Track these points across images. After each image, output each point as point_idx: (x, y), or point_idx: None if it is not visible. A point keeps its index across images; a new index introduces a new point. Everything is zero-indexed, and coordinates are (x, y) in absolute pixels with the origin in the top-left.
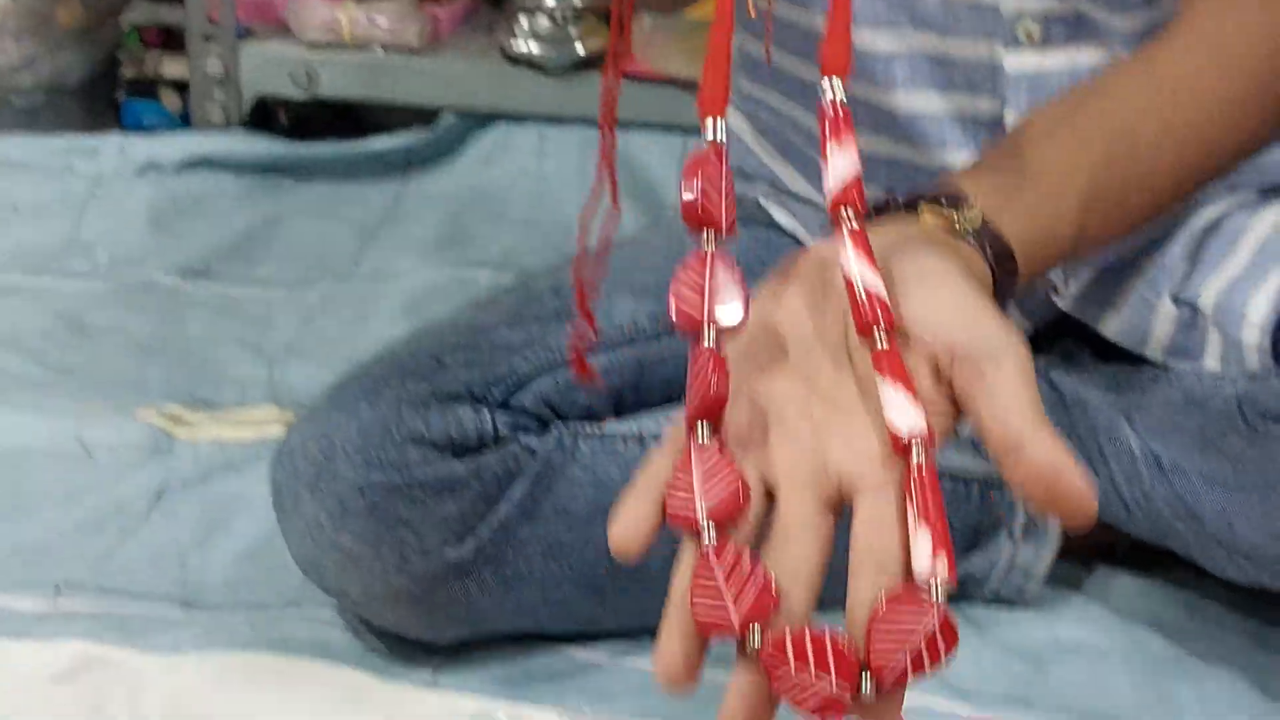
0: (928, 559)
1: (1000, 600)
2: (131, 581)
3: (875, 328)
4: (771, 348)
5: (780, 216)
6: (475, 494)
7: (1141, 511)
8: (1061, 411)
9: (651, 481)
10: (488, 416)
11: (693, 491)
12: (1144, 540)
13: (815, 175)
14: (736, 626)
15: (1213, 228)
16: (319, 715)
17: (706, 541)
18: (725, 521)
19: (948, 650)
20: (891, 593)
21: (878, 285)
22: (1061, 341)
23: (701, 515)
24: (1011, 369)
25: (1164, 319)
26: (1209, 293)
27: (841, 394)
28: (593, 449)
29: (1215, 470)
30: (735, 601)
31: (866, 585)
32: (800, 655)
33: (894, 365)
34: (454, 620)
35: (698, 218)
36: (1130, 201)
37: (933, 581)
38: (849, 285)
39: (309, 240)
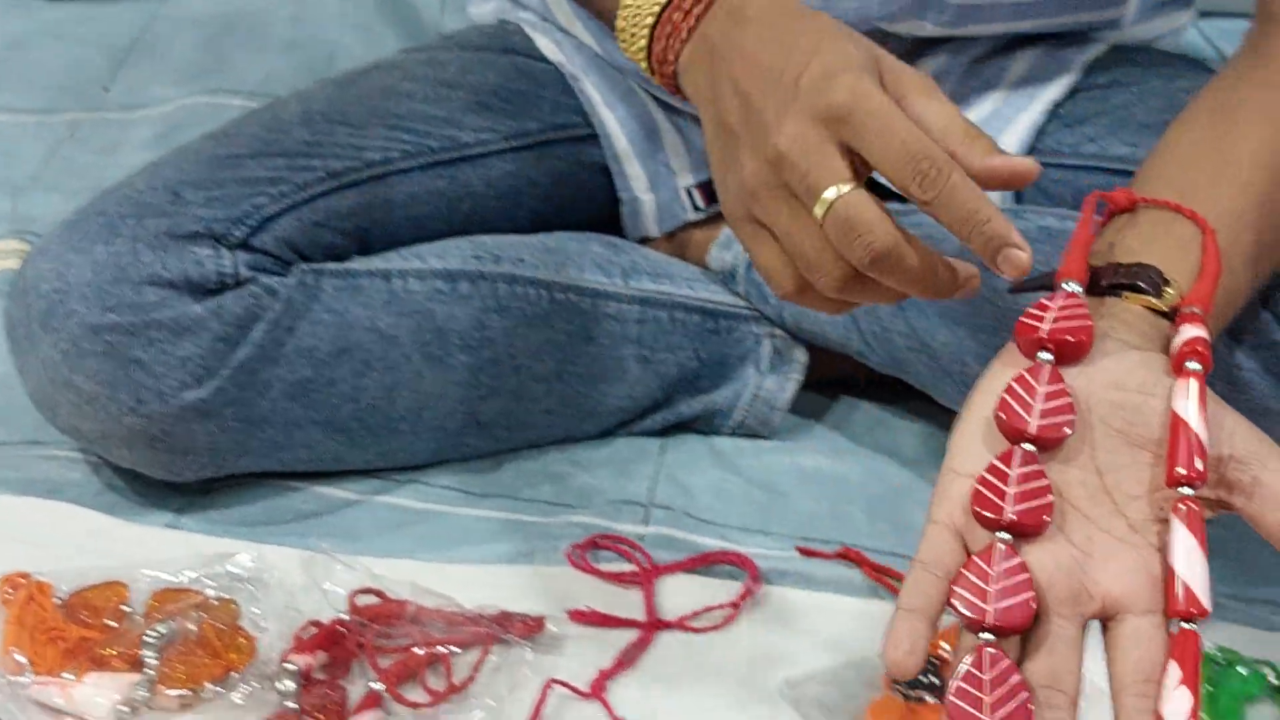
0: (1184, 717)
1: (745, 432)
2: None
3: (1193, 484)
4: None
5: (545, 45)
6: (214, 336)
7: (879, 344)
8: None
9: (920, 599)
10: (228, 257)
11: (986, 591)
12: (883, 372)
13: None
14: None
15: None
16: (58, 559)
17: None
18: (1011, 630)
19: None
20: None
21: (1206, 441)
22: None
23: (991, 618)
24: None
25: None
26: None
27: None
28: (336, 288)
29: (948, 307)
30: (993, 710)
31: (1133, 714)
32: None
33: (1194, 522)
34: (195, 461)
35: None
36: (1274, 259)
37: None
38: (1178, 436)
39: (57, 64)
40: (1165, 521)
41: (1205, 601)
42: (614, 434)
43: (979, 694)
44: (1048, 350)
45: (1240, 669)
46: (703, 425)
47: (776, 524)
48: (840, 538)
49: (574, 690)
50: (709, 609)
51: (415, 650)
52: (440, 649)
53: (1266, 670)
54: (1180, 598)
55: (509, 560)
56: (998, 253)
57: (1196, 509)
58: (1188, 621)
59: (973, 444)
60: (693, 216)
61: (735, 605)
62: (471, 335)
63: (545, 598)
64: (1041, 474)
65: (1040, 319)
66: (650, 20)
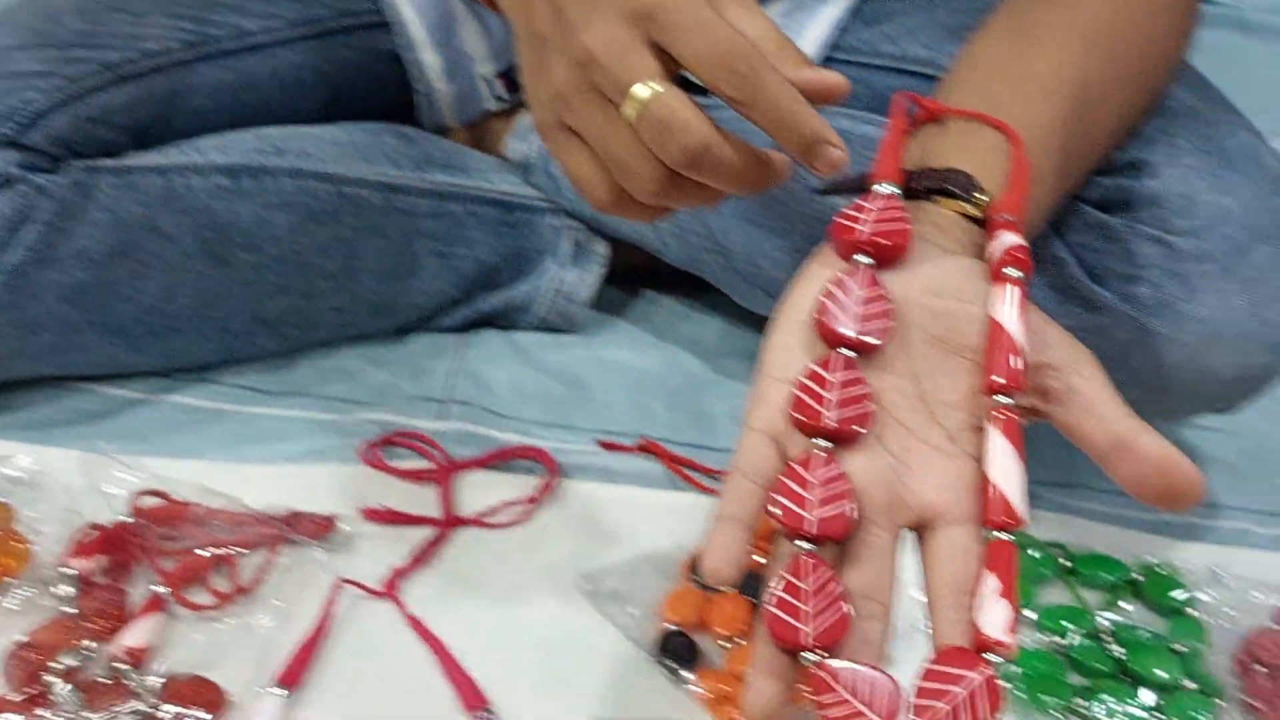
0: (1001, 630)
1: (547, 326)
2: None
3: (1011, 392)
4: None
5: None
6: None
7: (676, 241)
8: None
9: (739, 506)
10: None
11: (804, 499)
12: (681, 268)
13: None
14: (805, 643)
15: None
16: None
17: (803, 549)
18: (829, 540)
19: (991, 712)
20: (950, 644)
21: (1025, 348)
22: None
23: (811, 526)
24: (1095, 374)
25: None
26: None
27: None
28: (112, 186)
29: (744, 207)
30: (815, 618)
31: (947, 626)
32: (850, 684)
33: (1011, 431)
34: None
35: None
36: (1073, 177)
37: (998, 650)
38: (997, 343)
39: None
40: (982, 430)
41: (1022, 512)
42: (412, 331)
43: (798, 604)
44: (866, 253)
45: (1032, 552)
46: (503, 321)
47: (577, 418)
48: (641, 430)
49: (365, 589)
50: (507, 504)
51: (199, 552)
52: (226, 550)
53: (1056, 552)
54: (996, 508)
55: (301, 459)
56: (813, 150)
57: (1014, 417)
58: (1004, 532)
59: (790, 349)
60: (493, 106)
61: (534, 500)
62: (255, 233)
63: (339, 497)
64: (862, 380)
65: (858, 220)
66: None
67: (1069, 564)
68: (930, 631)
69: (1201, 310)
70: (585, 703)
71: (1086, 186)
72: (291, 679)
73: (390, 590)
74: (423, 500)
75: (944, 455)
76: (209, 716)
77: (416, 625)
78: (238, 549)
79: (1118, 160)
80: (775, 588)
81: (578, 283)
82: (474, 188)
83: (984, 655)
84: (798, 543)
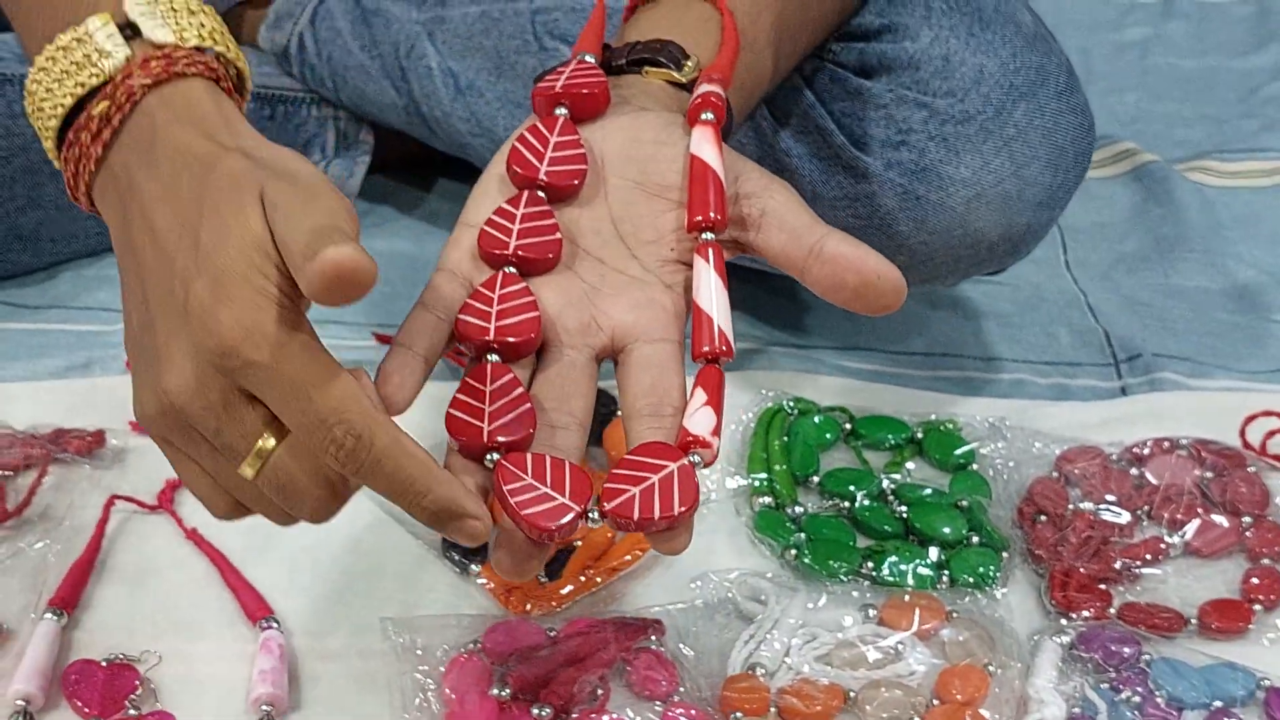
0: (706, 430)
1: None
2: None
3: (715, 228)
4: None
5: None
6: None
7: (442, 130)
8: (362, 26)
9: (415, 336)
10: None
11: (489, 312)
12: (450, 154)
13: None
14: (486, 439)
15: None
16: None
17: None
18: (516, 348)
19: (683, 504)
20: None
21: (725, 183)
22: None
23: (491, 334)
24: (786, 196)
25: None
26: None
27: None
28: None
29: (510, 91)
30: (494, 416)
31: (645, 430)
32: (539, 472)
33: (719, 264)
34: None
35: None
36: (800, 42)
37: (698, 450)
38: (701, 182)
39: None
40: (680, 263)
41: (730, 340)
42: None
43: (478, 404)
44: (563, 105)
45: (814, 417)
46: None
47: (351, 313)
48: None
49: (139, 504)
50: None
51: None
52: None
53: (839, 416)
54: (707, 336)
55: (65, 374)
56: (447, 525)
57: (719, 250)
58: (713, 361)
59: (486, 197)
60: None
61: None
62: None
63: (107, 411)
64: (549, 214)
65: (556, 79)
66: (55, 124)
67: (850, 427)
68: (626, 443)
69: (964, 172)
70: (373, 603)
71: (843, 52)
72: (67, 601)
73: (165, 503)
74: None
75: (640, 283)
76: None
77: (194, 537)
78: (3, 471)
79: (872, 24)
80: (457, 394)
81: (345, 173)
82: None
83: (686, 454)
84: (488, 357)
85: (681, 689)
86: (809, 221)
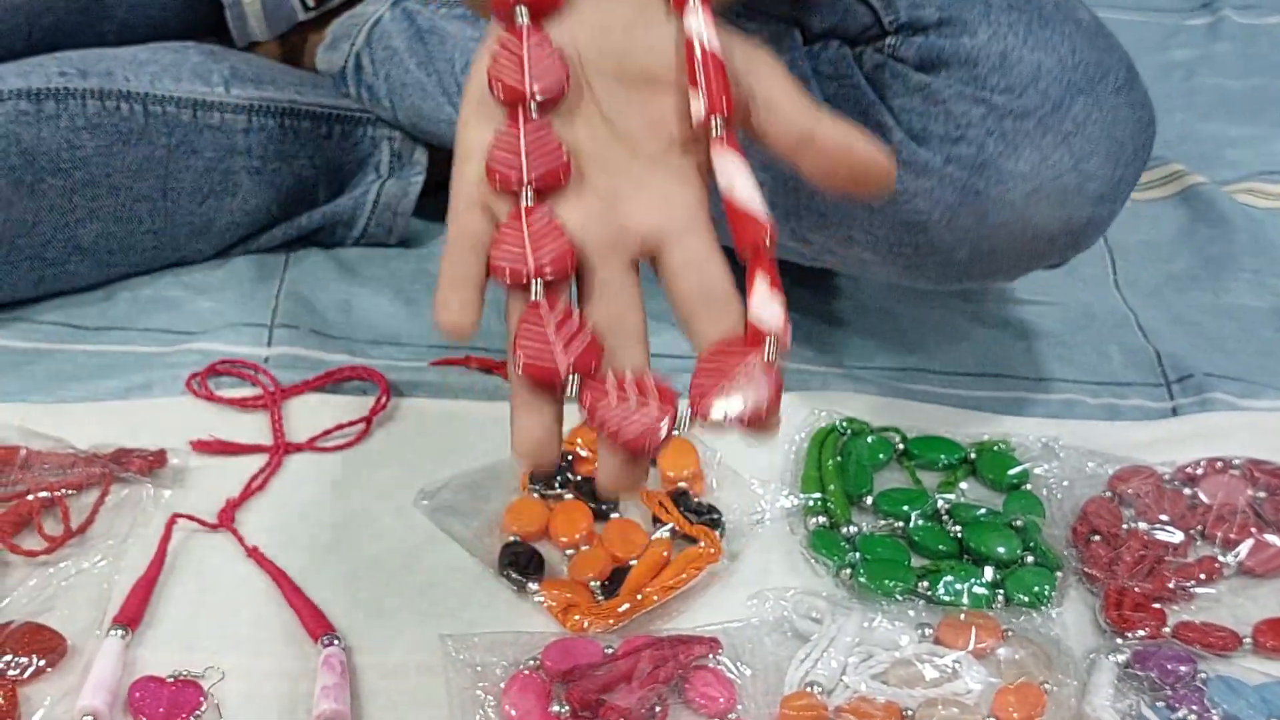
0: (778, 323)
1: (371, 241)
2: None
3: (718, 116)
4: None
5: None
6: None
7: None
8: (418, 44)
9: (461, 267)
10: None
11: (522, 248)
12: None
13: None
14: (563, 370)
15: None
16: None
17: (536, 294)
18: (556, 278)
19: (770, 392)
20: (727, 337)
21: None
22: None
23: (531, 269)
24: (773, 74)
25: None
26: None
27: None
28: None
29: None
30: (565, 349)
31: (710, 328)
32: (620, 390)
33: (732, 142)
34: None
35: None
36: None
37: (769, 340)
38: (702, 67)
39: None
40: (685, 145)
41: (765, 216)
42: (232, 253)
43: (544, 341)
44: (521, 6)
45: (867, 438)
46: (326, 238)
47: (406, 334)
48: (471, 342)
49: (200, 522)
50: (340, 426)
51: (28, 497)
52: (55, 493)
53: (891, 436)
54: (748, 222)
55: (125, 395)
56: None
57: (732, 137)
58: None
59: (475, 126)
60: (303, 16)
61: (366, 421)
62: (62, 157)
63: (167, 431)
64: (549, 129)
65: None
66: None
67: (904, 447)
68: (692, 345)
69: (1023, 166)
70: (431, 620)
71: (903, 46)
72: (131, 618)
73: (226, 522)
74: (253, 428)
75: (651, 180)
76: (48, 662)
77: (255, 555)
78: (67, 490)
79: (931, 17)
80: (515, 334)
81: (399, 193)
82: (287, 101)
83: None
84: (534, 295)
85: (739, 706)
86: (800, 105)
